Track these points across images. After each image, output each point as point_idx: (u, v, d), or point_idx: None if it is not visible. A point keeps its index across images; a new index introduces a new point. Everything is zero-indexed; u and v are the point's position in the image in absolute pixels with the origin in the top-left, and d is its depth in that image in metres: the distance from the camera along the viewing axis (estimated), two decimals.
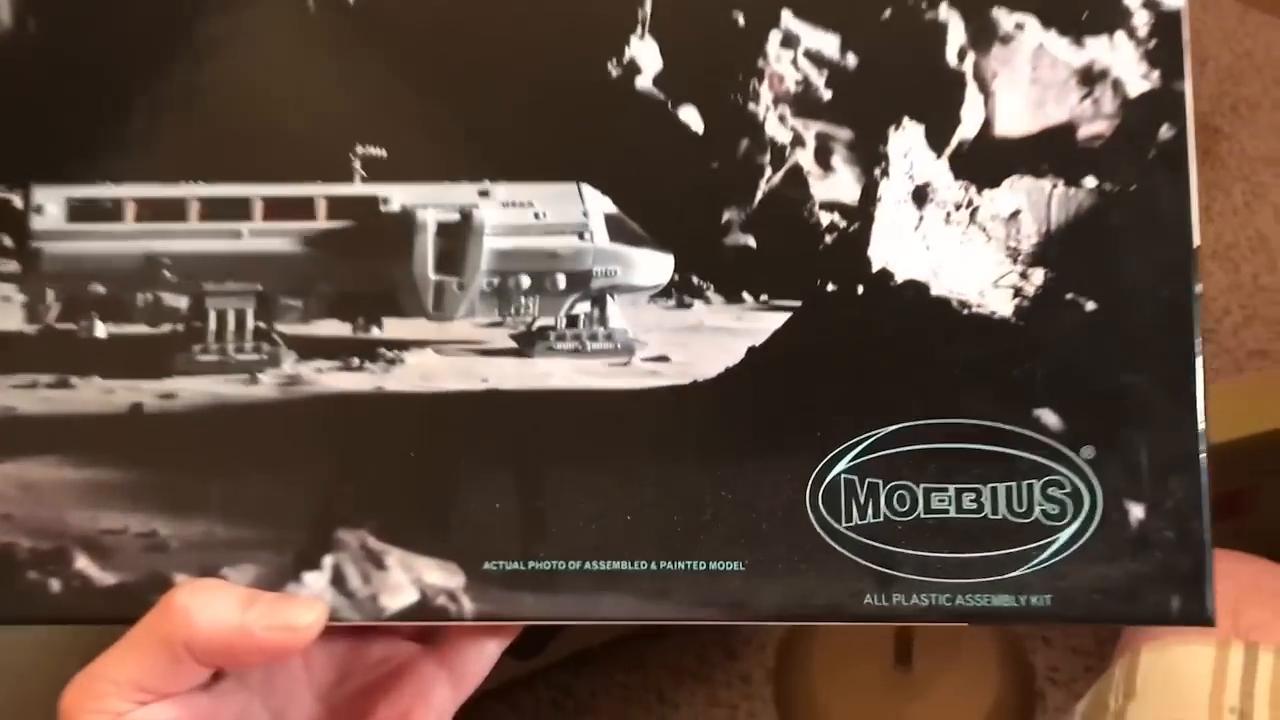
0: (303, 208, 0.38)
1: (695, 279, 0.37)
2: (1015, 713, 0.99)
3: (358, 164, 0.38)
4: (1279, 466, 1.01)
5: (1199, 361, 0.37)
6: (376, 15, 0.38)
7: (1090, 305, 0.37)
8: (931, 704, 0.99)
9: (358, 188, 0.38)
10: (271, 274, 0.38)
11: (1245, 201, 1.41)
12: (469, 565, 0.37)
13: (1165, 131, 0.37)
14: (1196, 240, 0.37)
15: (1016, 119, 0.38)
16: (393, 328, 0.38)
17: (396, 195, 0.38)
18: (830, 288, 0.37)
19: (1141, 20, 0.37)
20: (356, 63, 0.38)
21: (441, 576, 0.37)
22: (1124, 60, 0.37)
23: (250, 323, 0.38)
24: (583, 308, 0.38)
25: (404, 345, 0.38)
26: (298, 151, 0.38)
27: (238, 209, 0.38)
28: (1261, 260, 1.34)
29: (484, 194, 0.38)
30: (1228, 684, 0.50)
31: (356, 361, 0.38)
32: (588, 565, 0.37)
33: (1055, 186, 0.37)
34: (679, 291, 0.38)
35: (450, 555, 0.37)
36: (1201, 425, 0.36)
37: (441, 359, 0.38)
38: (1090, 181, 0.37)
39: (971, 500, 0.37)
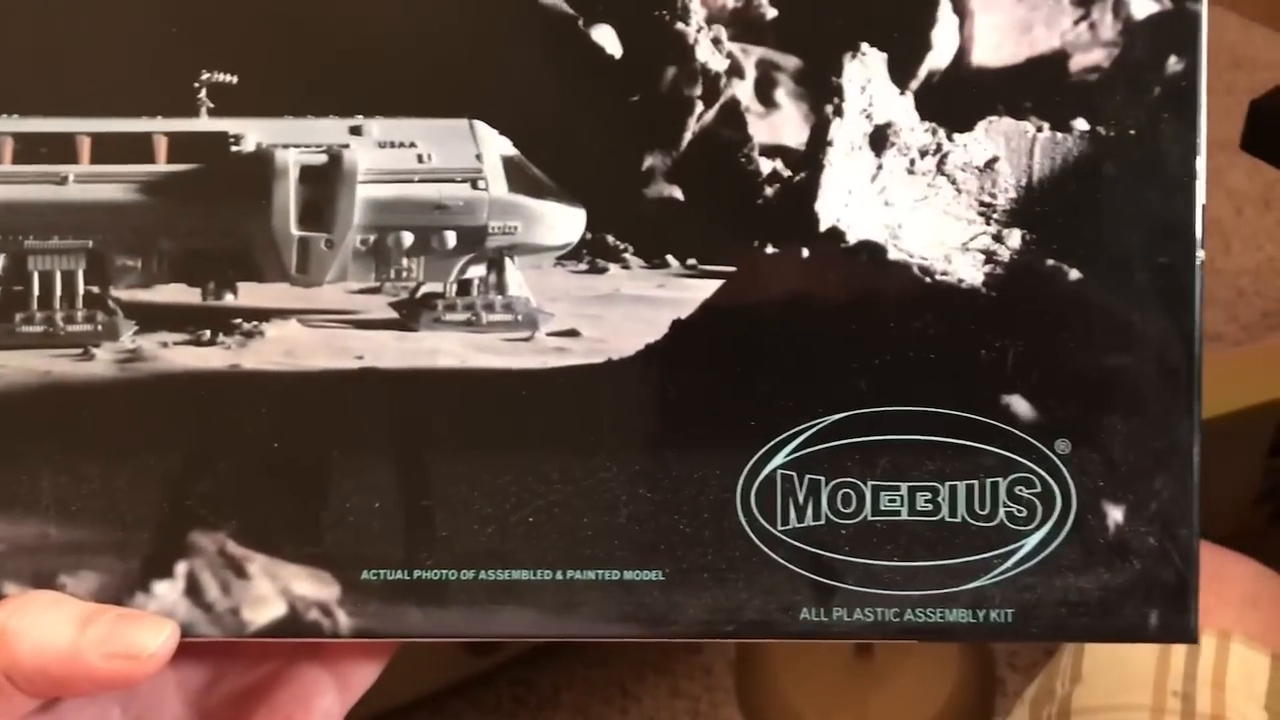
0: (138, 147, 0.32)
1: (611, 238, 0.32)
2: (975, 698, 0.99)
3: (203, 94, 0.31)
4: (1232, 450, 1.01)
5: (1199, 341, 0.31)
6: None
7: (1074, 274, 0.31)
8: (892, 691, 0.98)
9: (204, 123, 0.31)
10: (104, 228, 0.32)
11: None
12: (344, 574, 0.32)
13: (1174, 64, 0.31)
14: (1202, 198, 0.31)
15: (998, 46, 0.31)
16: (250, 294, 0.32)
17: (251, 132, 0.32)
18: (770, 250, 0.31)
19: None
20: None
21: (313, 587, 0.32)
22: None
23: (81, 286, 0.32)
24: (476, 271, 0.32)
25: (263, 315, 0.32)
26: (130, 78, 0.31)
27: (59, 149, 0.32)
28: (1215, 244, 1.34)
29: (356, 131, 0.32)
30: (1171, 668, 0.50)
31: (207, 334, 0.32)
32: (483, 575, 0.32)
33: (1040, 130, 0.31)
34: (591, 253, 0.32)
35: (323, 563, 0.32)
36: (1198, 416, 0.31)
37: (308, 331, 0.32)
38: (1081, 124, 0.31)
39: (927, 500, 0.32)
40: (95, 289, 0.32)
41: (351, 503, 0.32)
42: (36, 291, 0.32)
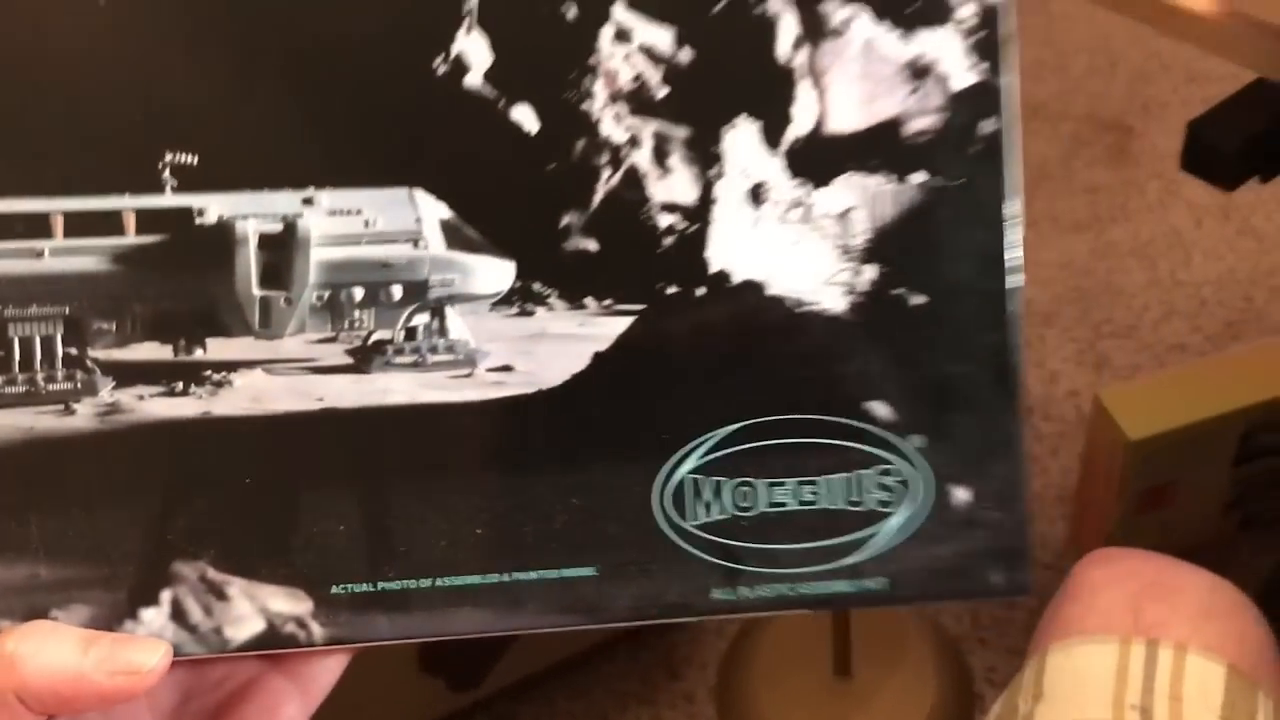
0: (109, 222, 0.35)
1: (537, 285, 0.37)
2: (954, 714, 1.00)
3: (167, 173, 0.35)
4: (1199, 460, 1.03)
5: (1018, 350, 0.38)
6: (180, 7, 0.35)
7: (918, 299, 0.38)
8: (873, 711, 0.99)
9: (169, 199, 0.35)
10: (79, 295, 0.35)
11: (1159, 199, 1.43)
12: (316, 590, 0.36)
13: (987, 126, 0.38)
14: (1016, 234, 0.38)
15: (848, 115, 0.38)
16: (217, 348, 0.36)
17: (213, 205, 0.36)
18: (671, 290, 0.37)
19: (968, 12, 0.38)
20: (161, 59, 0.35)
21: (288, 603, 0.36)
22: (951, 53, 0.38)
23: (60, 349, 0.35)
24: (421, 319, 0.37)
25: (231, 366, 0.36)
26: (99, 160, 0.35)
27: (35, 226, 0.35)
28: (1178, 256, 1.37)
29: (308, 202, 0.36)
30: (1129, 682, 0.51)
31: (180, 385, 0.36)
32: (439, 582, 0.37)
33: (886, 183, 0.38)
34: (520, 299, 0.37)
35: (295, 581, 0.36)
36: (1020, 411, 0.38)
37: (272, 379, 0.36)
38: (919, 177, 0.38)
39: (810, 492, 0.38)
40: (74, 350, 0.35)
41: (319, 527, 0.36)
42: (18, 356, 0.35)
